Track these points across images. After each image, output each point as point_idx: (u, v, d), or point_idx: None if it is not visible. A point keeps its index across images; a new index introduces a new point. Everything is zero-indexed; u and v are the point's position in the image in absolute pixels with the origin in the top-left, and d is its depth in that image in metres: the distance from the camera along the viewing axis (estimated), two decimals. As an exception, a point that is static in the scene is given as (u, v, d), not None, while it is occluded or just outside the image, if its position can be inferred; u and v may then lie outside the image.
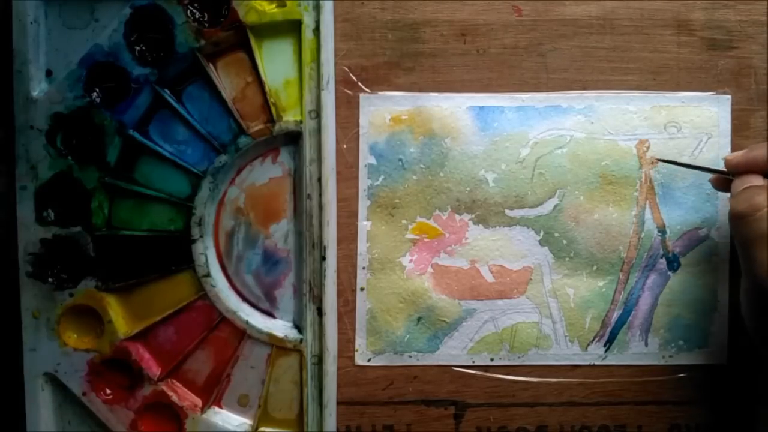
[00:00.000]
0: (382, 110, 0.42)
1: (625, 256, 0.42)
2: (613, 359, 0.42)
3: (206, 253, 0.41)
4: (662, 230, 0.42)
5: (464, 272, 0.42)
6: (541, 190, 0.42)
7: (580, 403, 0.42)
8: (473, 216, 0.42)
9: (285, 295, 0.42)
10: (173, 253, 0.41)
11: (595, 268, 0.42)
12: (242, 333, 0.42)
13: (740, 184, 0.37)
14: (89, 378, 0.42)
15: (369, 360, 0.42)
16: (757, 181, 0.37)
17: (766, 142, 0.38)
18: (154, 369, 0.42)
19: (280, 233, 0.42)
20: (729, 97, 0.42)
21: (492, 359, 0.42)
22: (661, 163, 0.42)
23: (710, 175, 0.40)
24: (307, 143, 0.41)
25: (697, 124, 0.42)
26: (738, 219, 0.36)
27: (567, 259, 0.42)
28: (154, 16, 0.40)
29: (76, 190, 0.41)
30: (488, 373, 0.42)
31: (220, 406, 0.43)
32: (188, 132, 0.41)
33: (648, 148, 0.42)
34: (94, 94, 0.41)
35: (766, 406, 0.41)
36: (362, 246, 0.42)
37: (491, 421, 0.42)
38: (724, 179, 0.39)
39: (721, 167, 0.39)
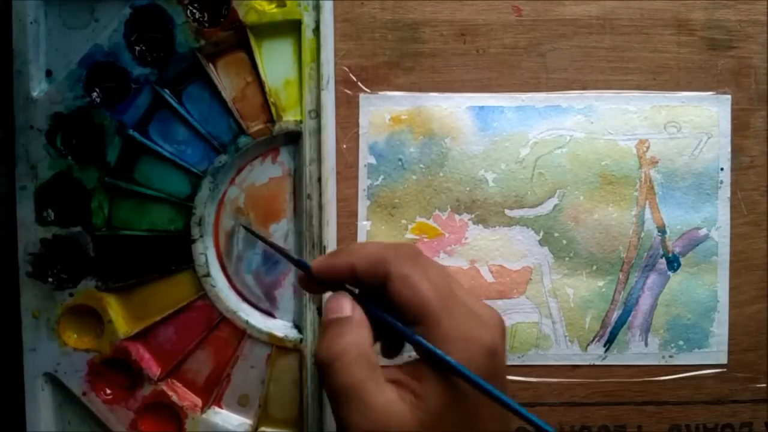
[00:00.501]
0: (381, 110, 0.42)
1: (624, 256, 0.42)
2: (613, 359, 0.42)
3: (206, 253, 0.41)
4: (662, 230, 0.42)
5: (464, 272, 0.42)
6: (540, 190, 0.42)
7: (580, 403, 0.42)
8: (473, 216, 0.42)
9: (285, 295, 0.42)
10: (173, 253, 0.41)
11: (594, 268, 0.42)
12: (242, 333, 0.42)
13: (327, 313, 0.31)
14: (89, 378, 0.42)
15: (369, 360, 0.42)
16: (345, 309, 0.31)
17: (354, 243, 0.33)
18: (154, 369, 0.42)
19: (280, 233, 0.42)
20: (729, 97, 0.42)
21: (492, 359, 0.42)
22: (661, 163, 0.41)
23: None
24: (307, 143, 0.41)
25: (697, 124, 0.42)
26: (321, 366, 0.30)
27: (567, 259, 0.42)
28: (154, 16, 0.40)
29: (76, 190, 0.41)
30: (488, 373, 0.42)
31: (220, 406, 0.43)
32: (188, 132, 0.41)
33: (648, 148, 0.42)
34: (94, 94, 0.41)
35: None
36: (362, 246, 0.42)
37: (491, 421, 0.42)
38: (311, 282, 0.33)
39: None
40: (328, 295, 0.33)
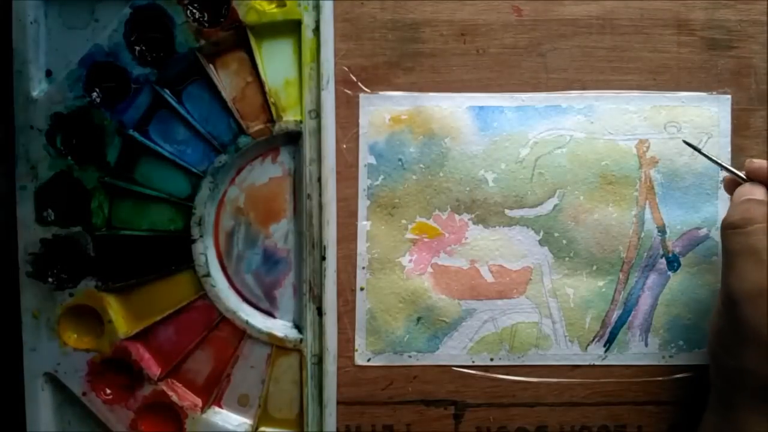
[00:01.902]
0: (381, 110, 0.42)
1: (625, 256, 0.42)
2: (613, 359, 0.42)
3: (206, 253, 0.41)
4: (662, 230, 0.42)
5: (464, 272, 0.42)
6: (540, 190, 0.42)
7: (580, 403, 0.42)
8: (473, 216, 0.42)
9: (285, 295, 0.42)
10: (173, 253, 0.41)
11: (594, 268, 0.42)
12: (242, 333, 0.42)
13: (741, 194, 0.36)
14: (89, 378, 0.42)
15: (369, 360, 0.42)
16: (759, 194, 0.36)
17: None
18: (154, 369, 0.42)
19: (280, 233, 0.42)
20: (729, 97, 0.42)
21: (492, 359, 0.42)
22: (661, 163, 0.41)
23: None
24: (307, 143, 0.41)
25: (697, 124, 0.42)
26: (729, 229, 0.35)
27: (567, 259, 0.42)
28: (154, 16, 0.40)
29: (76, 190, 0.41)
30: (488, 373, 0.42)
31: (220, 406, 0.43)
32: (188, 132, 0.41)
33: (648, 148, 0.42)
34: (94, 94, 0.41)
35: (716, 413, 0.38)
36: (362, 246, 0.42)
37: (491, 421, 0.42)
38: (735, 185, 0.38)
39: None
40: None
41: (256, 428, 0.42)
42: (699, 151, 0.39)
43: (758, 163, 0.37)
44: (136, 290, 0.42)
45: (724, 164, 0.39)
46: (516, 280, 0.42)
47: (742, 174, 0.38)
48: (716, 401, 0.38)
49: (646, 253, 0.42)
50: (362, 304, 0.42)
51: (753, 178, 0.37)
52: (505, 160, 0.42)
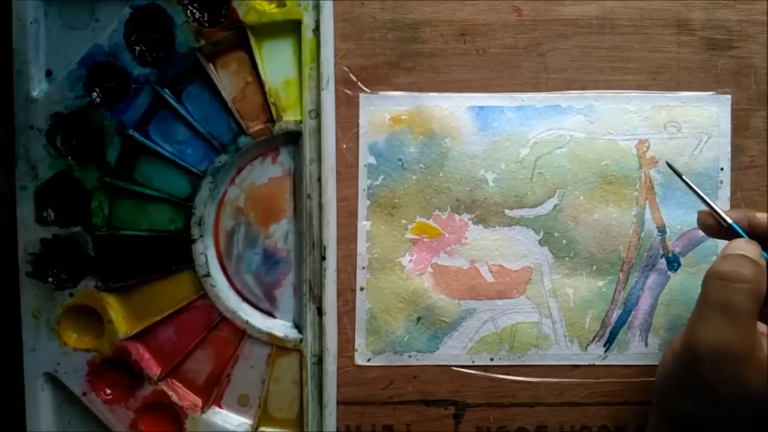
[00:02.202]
0: (381, 110, 0.42)
1: (625, 256, 0.42)
2: (613, 359, 0.42)
3: (206, 252, 0.41)
4: (662, 230, 0.42)
5: (464, 272, 0.42)
6: (540, 190, 0.42)
7: (580, 403, 0.42)
8: (473, 216, 0.42)
9: (285, 294, 0.42)
10: (173, 253, 0.41)
11: (594, 268, 0.42)
12: (242, 333, 0.42)
13: (736, 247, 0.35)
14: (89, 378, 0.42)
15: (369, 360, 0.42)
16: (754, 253, 0.34)
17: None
18: (154, 369, 0.42)
19: (280, 233, 0.42)
20: (729, 97, 0.42)
21: (492, 359, 0.42)
22: (661, 163, 0.41)
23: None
24: (307, 143, 0.41)
25: (697, 123, 0.42)
26: (717, 278, 0.33)
27: (567, 259, 0.42)
28: (154, 16, 0.40)
29: (76, 190, 0.41)
30: (488, 373, 0.42)
31: (220, 406, 0.43)
32: (188, 132, 0.41)
33: (648, 148, 0.42)
34: (94, 94, 0.41)
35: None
36: (362, 246, 0.42)
37: (491, 421, 0.42)
38: (711, 221, 0.37)
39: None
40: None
41: (256, 428, 0.42)
42: (682, 178, 0.39)
43: (761, 217, 0.35)
44: (136, 290, 0.42)
45: (709, 201, 0.37)
46: (516, 280, 0.42)
47: (724, 215, 0.36)
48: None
49: (646, 253, 0.42)
50: (362, 304, 0.42)
51: (751, 230, 0.36)
52: (505, 160, 0.42)
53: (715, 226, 0.37)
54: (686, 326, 0.34)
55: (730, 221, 0.36)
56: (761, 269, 0.33)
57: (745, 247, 0.34)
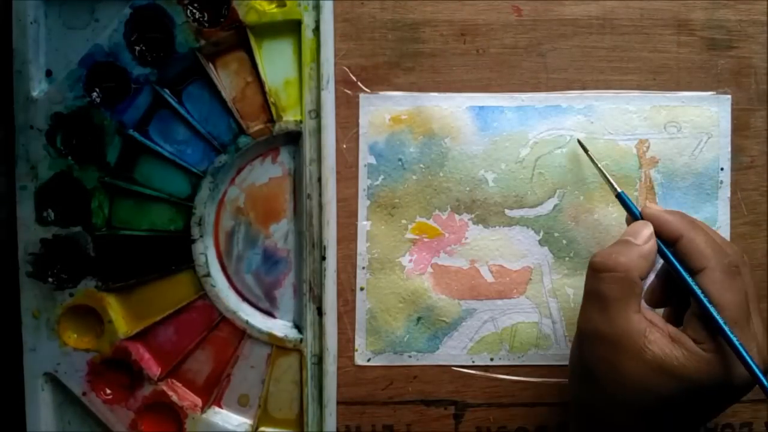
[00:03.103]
0: (381, 110, 0.42)
1: (625, 256, 0.42)
2: (613, 359, 0.42)
3: (206, 253, 0.41)
4: (662, 230, 0.42)
5: (464, 272, 0.42)
6: (540, 190, 0.42)
7: (580, 403, 0.42)
8: (473, 216, 0.42)
9: (285, 295, 0.42)
10: (173, 253, 0.41)
11: (595, 268, 0.42)
12: (242, 333, 0.42)
13: (625, 233, 0.35)
14: (89, 378, 0.42)
15: (369, 360, 0.42)
16: (643, 236, 0.35)
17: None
18: (154, 369, 0.42)
19: (280, 233, 0.42)
20: (729, 97, 0.42)
21: (492, 359, 0.42)
22: (661, 163, 0.41)
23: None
24: (307, 143, 0.41)
25: (697, 124, 0.42)
26: (589, 269, 0.35)
27: (567, 258, 0.42)
28: (154, 16, 0.40)
29: (76, 190, 0.41)
30: (488, 373, 0.42)
31: (220, 406, 0.43)
32: (188, 132, 0.41)
33: (648, 148, 0.42)
34: (94, 94, 0.41)
35: None
36: (362, 246, 0.42)
37: (491, 421, 0.42)
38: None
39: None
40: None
41: (256, 428, 0.42)
42: (588, 154, 0.40)
43: (653, 209, 0.36)
44: (136, 290, 0.42)
45: (605, 172, 0.39)
46: (516, 280, 0.42)
47: (615, 185, 0.38)
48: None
49: (646, 253, 0.42)
50: (362, 304, 0.42)
51: (644, 215, 0.36)
52: (505, 160, 0.42)
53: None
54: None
55: (619, 190, 0.37)
56: (642, 253, 0.34)
57: (635, 230, 0.35)
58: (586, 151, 0.40)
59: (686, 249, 0.34)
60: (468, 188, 0.42)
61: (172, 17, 0.40)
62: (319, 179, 0.41)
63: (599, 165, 0.39)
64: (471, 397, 0.42)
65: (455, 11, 0.42)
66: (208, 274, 0.41)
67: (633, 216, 0.37)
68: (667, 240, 0.35)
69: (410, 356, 0.42)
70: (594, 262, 0.34)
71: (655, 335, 0.33)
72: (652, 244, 0.35)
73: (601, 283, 0.34)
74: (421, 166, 0.42)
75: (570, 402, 0.38)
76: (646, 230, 0.35)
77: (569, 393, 0.38)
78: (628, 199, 0.37)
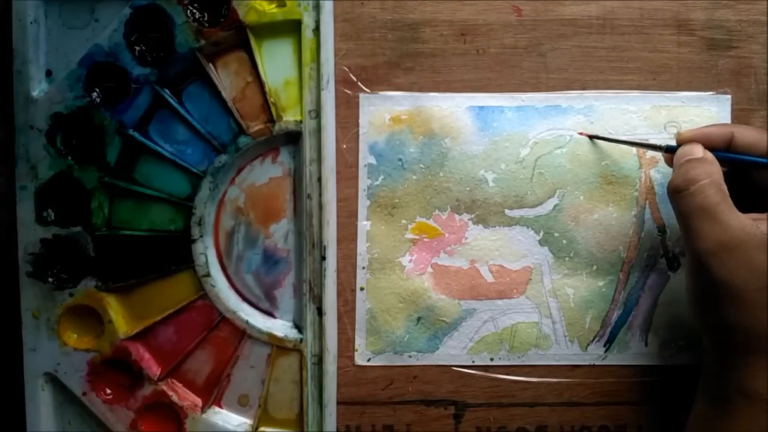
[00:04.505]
0: (381, 110, 0.42)
1: (625, 256, 0.42)
2: (613, 359, 0.42)
3: (206, 252, 0.41)
4: (662, 230, 0.42)
5: (464, 272, 0.42)
6: (540, 190, 0.42)
7: (580, 403, 0.42)
8: (473, 216, 0.42)
9: (285, 294, 0.42)
10: (173, 253, 0.41)
11: (595, 268, 0.42)
12: (242, 333, 0.42)
13: (680, 157, 0.36)
14: (89, 378, 0.42)
15: (369, 360, 0.42)
16: (697, 152, 0.36)
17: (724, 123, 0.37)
18: (154, 369, 0.42)
19: (280, 233, 0.42)
20: (729, 97, 0.42)
21: (492, 359, 0.42)
22: (661, 163, 0.42)
23: None
24: (307, 143, 0.41)
25: (697, 123, 0.42)
26: (675, 193, 0.35)
27: (567, 259, 0.42)
28: (154, 16, 0.40)
29: (76, 190, 0.41)
30: (488, 373, 0.42)
31: (220, 406, 0.43)
32: (188, 132, 0.41)
33: (648, 148, 0.42)
34: (94, 94, 0.41)
35: (703, 406, 0.37)
36: (362, 246, 0.42)
37: (491, 421, 0.42)
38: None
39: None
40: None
41: (256, 428, 0.42)
42: (602, 138, 0.41)
43: (685, 131, 0.37)
44: (136, 290, 0.42)
45: (642, 142, 0.40)
46: (516, 280, 0.42)
47: (662, 144, 0.38)
48: (711, 370, 0.37)
49: (646, 253, 0.42)
50: (362, 304, 0.42)
51: (684, 140, 0.37)
52: (505, 160, 0.42)
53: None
54: (684, 245, 0.36)
55: (663, 145, 0.38)
56: (708, 160, 0.35)
57: (689, 150, 0.36)
58: (596, 138, 0.41)
59: (744, 141, 0.36)
60: (468, 188, 0.42)
61: (172, 17, 0.40)
62: (319, 179, 0.41)
63: (621, 139, 0.40)
64: (471, 397, 0.42)
65: (455, 11, 0.42)
66: (208, 274, 0.41)
67: (659, 149, 0.38)
68: (719, 148, 0.36)
69: (410, 356, 0.42)
70: (675, 184, 0.35)
71: (763, 225, 0.33)
72: (708, 153, 0.36)
73: (696, 196, 0.34)
74: (421, 166, 0.42)
75: (706, 339, 0.37)
76: (695, 147, 0.36)
77: (703, 332, 0.37)
78: (651, 144, 0.39)
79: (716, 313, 0.35)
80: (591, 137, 0.41)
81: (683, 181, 0.35)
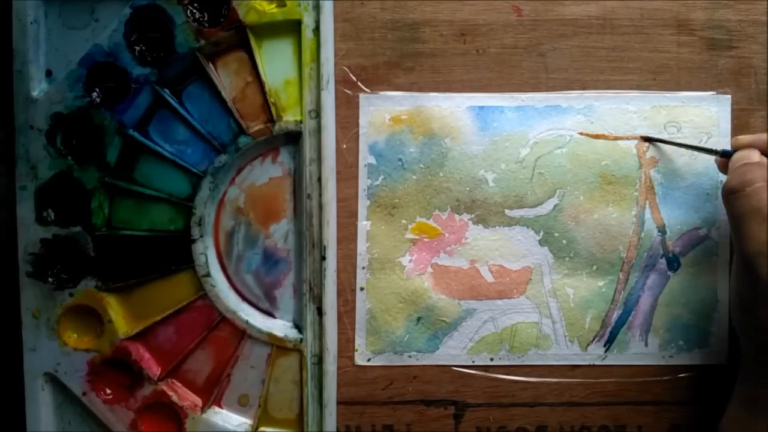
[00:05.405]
0: (381, 110, 0.42)
1: (625, 256, 0.42)
2: (613, 359, 0.42)
3: (206, 252, 0.41)
4: (662, 230, 0.42)
5: (464, 272, 0.42)
6: (540, 190, 0.42)
7: (580, 403, 0.42)
8: (473, 216, 0.42)
9: (285, 294, 0.42)
10: (173, 253, 0.41)
11: (595, 268, 0.42)
12: (242, 333, 0.42)
13: (737, 160, 0.37)
14: (89, 378, 0.42)
15: (369, 360, 0.42)
16: (754, 156, 0.37)
17: None
18: (154, 369, 0.42)
19: (280, 233, 0.42)
20: (729, 96, 0.42)
21: (492, 359, 0.42)
22: (661, 163, 0.41)
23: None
24: (307, 143, 0.41)
25: (697, 123, 0.42)
26: (730, 194, 0.36)
27: (567, 259, 0.42)
28: (154, 16, 0.40)
29: (76, 190, 0.41)
30: (488, 373, 0.42)
31: (220, 406, 0.43)
32: (188, 132, 0.41)
33: (648, 148, 0.42)
34: (94, 94, 0.41)
35: (738, 410, 0.38)
36: (362, 246, 0.42)
37: (491, 421, 0.42)
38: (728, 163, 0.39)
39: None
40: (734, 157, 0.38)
41: (256, 428, 0.42)
42: (661, 141, 0.41)
43: (742, 137, 0.39)
44: (136, 290, 0.42)
45: (699, 146, 0.40)
46: (516, 280, 0.42)
47: (718, 149, 0.39)
48: (748, 373, 0.38)
49: (646, 253, 0.42)
50: (362, 304, 0.42)
51: (735, 148, 0.38)
52: (505, 160, 0.42)
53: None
54: (734, 247, 0.36)
55: (719, 149, 0.39)
56: (764, 164, 0.36)
57: (746, 155, 0.37)
58: (655, 140, 0.41)
59: None
60: (468, 188, 0.42)
61: (172, 17, 0.40)
62: (319, 179, 0.41)
63: (681, 142, 0.41)
64: (471, 397, 0.42)
65: (455, 11, 0.42)
66: (208, 274, 0.41)
67: (718, 154, 0.39)
68: None
69: (410, 356, 0.42)
70: (731, 186, 0.36)
71: None
72: (765, 158, 0.37)
73: (752, 197, 0.34)
74: (421, 166, 0.42)
75: (744, 339, 0.37)
76: (753, 152, 0.37)
77: (741, 332, 0.37)
78: (711, 149, 0.40)
79: (758, 315, 0.35)
80: (650, 140, 0.41)
81: (739, 183, 0.35)
